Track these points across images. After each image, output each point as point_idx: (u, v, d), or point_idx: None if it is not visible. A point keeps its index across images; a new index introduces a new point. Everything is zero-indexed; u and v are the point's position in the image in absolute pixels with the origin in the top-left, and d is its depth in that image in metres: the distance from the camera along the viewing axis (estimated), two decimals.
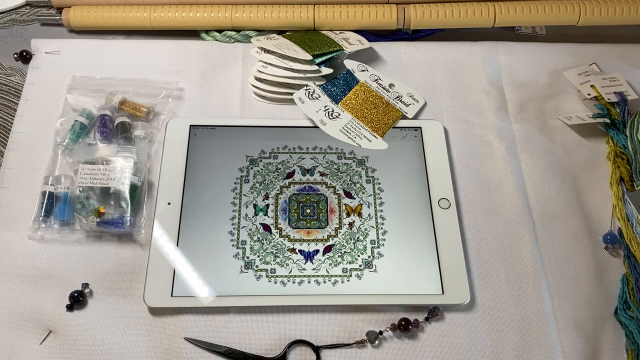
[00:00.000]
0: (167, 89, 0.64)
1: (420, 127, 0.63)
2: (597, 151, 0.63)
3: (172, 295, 0.52)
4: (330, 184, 0.59)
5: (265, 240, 0.56)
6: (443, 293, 0.53)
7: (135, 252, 0.55)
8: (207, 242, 0.55)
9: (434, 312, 0.53)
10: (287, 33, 0.69)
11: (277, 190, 0.59)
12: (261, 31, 0.70)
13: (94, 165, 0.57)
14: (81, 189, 0.56)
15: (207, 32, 0.70)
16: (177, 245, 0.55)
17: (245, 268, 0.54)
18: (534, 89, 0.67)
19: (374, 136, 0.63)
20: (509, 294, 0.55)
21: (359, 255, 0.55)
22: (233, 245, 0.55)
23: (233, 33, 0.69)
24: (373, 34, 0.71)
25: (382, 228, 0.57)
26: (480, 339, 0.52)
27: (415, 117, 0.65)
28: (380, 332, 0.52)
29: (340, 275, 0.54)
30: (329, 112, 0.63)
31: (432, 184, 0.59)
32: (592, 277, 0.56)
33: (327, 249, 0.56)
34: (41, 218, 0.55)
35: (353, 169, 0.60)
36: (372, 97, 0.65)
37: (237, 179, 0.59)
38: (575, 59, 0.70)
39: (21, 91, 0.65)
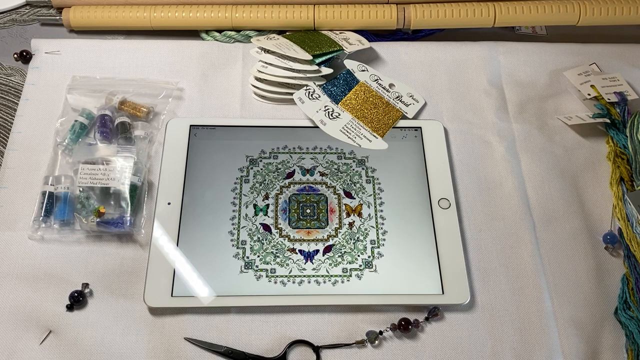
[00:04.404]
0: (167, 89, 0.64)
1: (420, 127, 0.63)
2: (597, 151, 0.63)
3: (172, 295, 0.52)
4: (330, 184, 0.59)
5: (265, 240, 0.56)
6: (443, 293, 0.53)
7: (135, 252, 0.55)
8: (207, 242, 0.55)
9: (434, 312, 0.53)
10: (287, 33, 0.69)
11: (277, 190, 0.59)
12: (261, 31, 0.70)
13: (94, 165, 0.57)
14: (81, 189, 0.56)
15: (207, 32, 0.70)
16: (177, 245, 0.55)
17: (245, 268, 0.54)
18: (534, 89, 0.67)
19: (374, 136, 0.63)
20: (509, 294, 0.55)
21: (359, 255, 0.55)
22: (233, 245, 0.55)
23: (233, 33, 0.69)
24: (373, 34, 0.71)
25: (382, 228, 0.57)
26: (480, 339, 0.52)
27: (415, 117, 0.65)
28: (380, 332, 0.52)
29: (340, 275, 0.54)
30: (329, 112, 0.63)
31: (432, 184, 0.59)
32: (592, 277, 0.56)
33: (327, 249, 0.56)
34: (41, 218, 0.55)
35: (353, 169, 0.60)
36: (372, 97, 0.65)
37: (237, 179, 0.59)
38: (575, 59, 0.70)
39: (21, 91, 0.65)
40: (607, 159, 0.63)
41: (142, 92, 0.64)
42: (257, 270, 0.54)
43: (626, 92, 0.65)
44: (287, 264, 0.55)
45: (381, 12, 0.69)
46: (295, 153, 0.61)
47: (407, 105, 0.65)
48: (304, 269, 0.54)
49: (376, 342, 0.52)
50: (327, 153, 0.61)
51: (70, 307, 0.52)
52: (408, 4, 0.69)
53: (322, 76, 0.65)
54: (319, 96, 0.64)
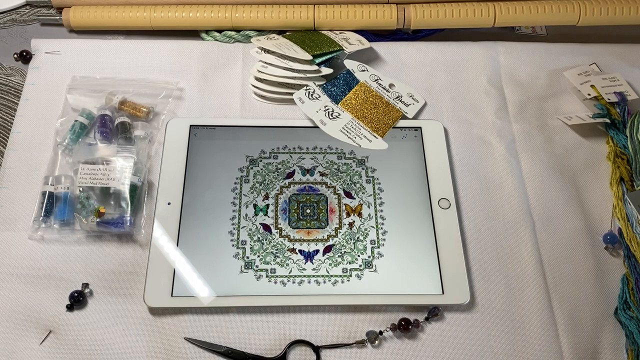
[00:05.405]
0: (167, 89, 0.64)
1: (420, 127, 0.63)
2: (597, 151, 0.63)
3: (172, 295, 0.52)
4: (330, 184, 0.59)
5: (265, 240, 0.56)
6: (443, 293, 0.53)
7: (135, 252, 0.55)
8: (207, 242, 0.55)
9: (434, 312, 0.53)
10: (287, 33, 0.69)
11: (277, 190, 0.59)
12: (261, 31, 0.70)
13: (94, 165, 0.57)
14: (81, 189, 0.56)
15: (207, 32, 0.70)
16: (177, 245, 0.55)
17: (245, 268, 0.54)
18: (534, 89, 0.67)
19: (374, 136, 0.63)
20: (509, 294, 0.55)
21: (359, 255, 0.55)
22: (233, 245, 0.55)
23: (233, 33, 0.69)
24: (373, 34, 0.71)
25: (382, 228, 0.57)
26: (480, 339, 0.52)
27: (415, 117, 0.65)
28: (380, 332, 0.52)
29: (340, 275, 0.54)
30: (329, 112, 0.63)
31: (432, 184, 0.59)
32: (592, 277, 0.56)
33: (327, 249, 0.56)
34: (41, 218, 0.55)
35: (353, 169, 0.60)
36: (372, 97, 0.65)
37: (237, 179, 0.59)
38: (575, 59, 0.70)
39: (21, 91, 0.65)
40: (607, 159, 0.63)
41: (142, 92, 0.64)
42: (257, 270, 0.54)
43: (626, 92, 0.65)
44: (287, 264, 0.55)
45: (381, 12, 0.69)
46: (295, 153, 0.61)
47: (407, 105, 0.65)
48: (304, 269, 0.54)
49: (376, 342, 0.52)
50: (327, 153, 0.61)
51: (70, 307, 0.52)
52: (408, 4, 0.69)
53: (322, 76, 0.65)
54: (319, 96, 0.64)
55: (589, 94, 0.66)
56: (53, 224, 0.55)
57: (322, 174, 0.60)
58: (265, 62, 0.64)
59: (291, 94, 0.64)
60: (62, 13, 0.70)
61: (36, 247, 0.55)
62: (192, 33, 0.71)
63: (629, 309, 0.53)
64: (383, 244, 0.56)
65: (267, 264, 0.54)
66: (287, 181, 0.59)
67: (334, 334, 0.52)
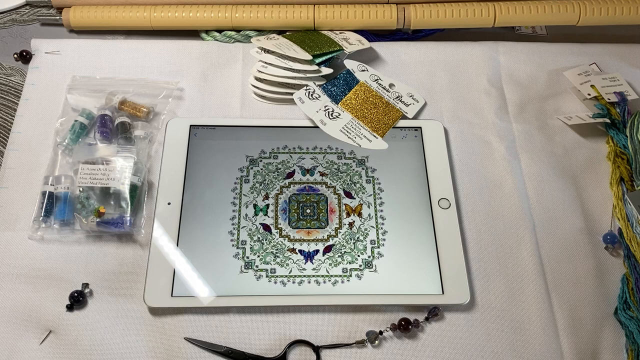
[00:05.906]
0: (167, 89, 0.64)
1: (420, 127, 0.63)
2: (597, 151, 0.63)
3: (172, 295, 0.52)
4: (330, 184, 0.59)
5: (265, 240, 0.56)
6: (443, 293, 0.53)
7: (135, 252, 0.55)
8: (207, 242, 0.55)
9: (434, 312, 0.53)
10: (287, 33, 0.69)
11: (277, 190, 0.59)
12: (261, 31, 0.70)
13: (94, 165, 0.57)
14: (81, 189, 0.56)
15: (207, 32, 0.70)
16: (177, 245, 0.55)
17: (245, 268, 0.54)
18: (534, 89, 0.67)
19: (374, 136, 0.63)
20: (509, 294, 0.55)
21: (359, 255, 0.55)
22: (233, 245, 0.55)
23: (233, 33, 0.69)
24: (373, 34, 0.71)
25: (382, 228, 0.57)
26: (480, 339, 0.52)
27: (415, 117, 0.65)
28: (380, 332, 0.52)
29: (340, 275, 0.54)
30: (329, 112, 0.63)
31: (432, 184, 0.59)
32: (592, 277, 0.56)
33: (327, 249, 0.56)
34: (41, 218, 0.55)
35: (353, 169, 0.60)
36: (372, 97, 0.65)
37: (237, 179, 0.59)
38: (575, 59, 0.70)
39: (21, 91, 0.65)
40: (607, 159, 0.63)
41: (142, 92, 0.64)
42: (257, 270, 0.54)
43: (626, 92, 0.65)
44: (287, 264, 0.55)
45: (381, 12, 0.69)
46: (295, 153, 0.61)
47: (407, 105, 0.65)
48: (304, 269, 0.54)
49: (376, 342, 0.52)
50: (327, 153, 0.61)
51: (70, 307, 0.52)
52: (408, 4, 0.69)
53: (322, 76, 0.65)
54: (319, 96, 0.64)
55: (589, 94, 0.66)
56: (53, 224, 0.55)
57: (322, 174, 0.60)
58: (265, 62, 0.64)
59: (291, 94, 0.64)
60: (62, 13, 0.70)
61: (36, 247, 0.55)
62: (192, 33, 0.71)
63: (629, 309, 0.53)
64: (383, 244, 0.56)
65: (267, 264, 0.54)
66: (287, 181, 0.59)
67: (334, 334, 0.52)
